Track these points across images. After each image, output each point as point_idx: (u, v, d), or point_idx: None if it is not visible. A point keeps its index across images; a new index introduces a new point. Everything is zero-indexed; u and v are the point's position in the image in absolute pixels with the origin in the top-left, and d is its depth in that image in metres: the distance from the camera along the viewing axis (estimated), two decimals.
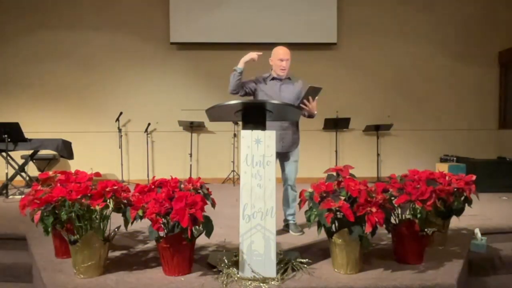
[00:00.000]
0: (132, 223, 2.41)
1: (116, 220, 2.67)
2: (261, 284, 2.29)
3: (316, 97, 3.24)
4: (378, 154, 6.89)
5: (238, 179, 6.44)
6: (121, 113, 6.67)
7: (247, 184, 2.38)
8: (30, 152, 5.77)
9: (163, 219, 2.31)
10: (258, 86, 3.36)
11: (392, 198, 2.57)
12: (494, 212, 4.12)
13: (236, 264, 2.45)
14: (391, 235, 2.71)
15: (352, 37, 6.99)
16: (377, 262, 2.65)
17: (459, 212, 2.90)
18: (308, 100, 3.16)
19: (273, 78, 3.39)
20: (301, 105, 3.15)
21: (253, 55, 3.19)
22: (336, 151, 6.93)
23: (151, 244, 3.05)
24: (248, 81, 3.35)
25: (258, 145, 2.39)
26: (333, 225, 2.42)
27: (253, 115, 2.48)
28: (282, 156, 3.40)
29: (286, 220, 3.53)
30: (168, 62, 6.89)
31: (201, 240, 2.71)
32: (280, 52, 3.35)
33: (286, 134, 3.34)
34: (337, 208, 2.30)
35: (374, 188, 2.42)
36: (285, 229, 3.51)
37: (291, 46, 6.88)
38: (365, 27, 6.99)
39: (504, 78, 7.08)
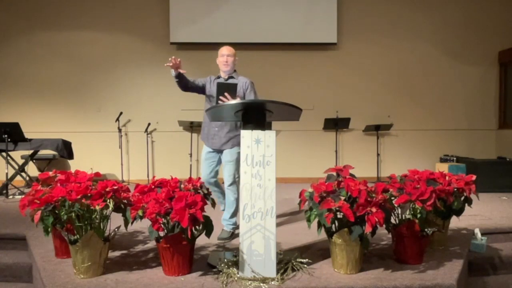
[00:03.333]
0: (132, 223, 2.41)
1: (116, 220, 2.68)
2: (261, 284, 2.29)
3: (238, 94, 3.20)
4: (378, 154, 6.89)
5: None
6: (121, 113, 6.67)
7: (247, 184, 2.38)
8: (30, 152, 5.77)
9: (163, 219, 2.31)
10: (206, 85, 3.47)
11: (392, 198, 2.58)
12: (494, 212, 4.12)
13: (236, 264, 2.45)
14: (391, 235, 2.71)
15: (352, 37, 6.99)
16: (377, 262, 2.65)
17: (459, 212, 2.90)
18: (226, 98, 3.06)
19: (219, 77, 3.47)
20: (219, 102, 3.06)
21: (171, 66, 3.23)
22: (336, 151, 6.93)
23: (151, 244, 3.05)
24: (200, 80, 3.48)
25: (258, 145, 2.40)
26: (333, 225, 2.43)
27: (253, 115, 2.49)
28: (221, 155, 3.41)
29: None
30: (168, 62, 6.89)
31: (201, 240, 2.72)
32: (223, 49, 3.41)
33: (219, 132, 3.34)
34: (337, 208, 2.30)
35: (374, 188, 2.42)
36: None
37: (291, 46, 7.01)
38: (365, 27, 6.99)
39: (504, 78, 7.08)
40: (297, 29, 6.81)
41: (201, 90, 3.47)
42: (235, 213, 3.38)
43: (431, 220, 2.68)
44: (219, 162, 3.45)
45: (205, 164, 3.42)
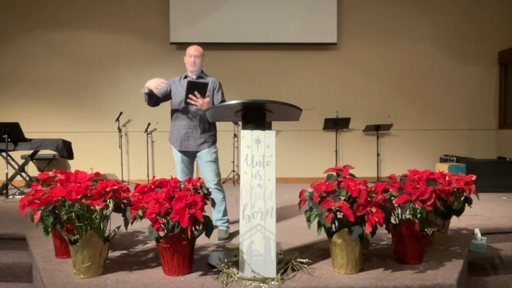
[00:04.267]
0: (132, 223, 2.41)
1: (116, 220, 2.68)
2: (261, 284, 2.29)
3: (208, 94, 3.17)
4: (378, 154, 6.89)
5: (238, 179, 6.44)
6: (121, 113, 6.67)
7: (247, 184, 2.38)
8: (30, 152, 5.77)
9: (163, 219, 2.31)
10: (171, 87, 3.43)
11: (392, 198, 2.57)
12: (494, 212, 4.12)
13: (236, 264, 2.45)
14: (391, 235, 2.71)
15: (352, 37, 6.99)
16: (377, 262, 2.65)
17: (459, 212, 2.90)
18: (196, 96, 3.07)
19: (186, 77, 3.43)
20: (188, 101, 3.09)
21: (154, 84, 3.20)
22: (336, 151, 6.93)
23: (151, 244, 3.05)
24: (162, 88, 3.40)
25: (258, 145, 2.39)
26: (333, 225, 2.42)
27: (253, 115, 2.48)
28: (194, 157, 3.41)
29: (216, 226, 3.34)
30: (168, 62, 6.89)
31: (201, 240, 2.72)
32: (191, 49, 3.37)
33: (193, 133, 3.32)
34: (337, 208, 2.30)
35: (374, 188, 2.42)
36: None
37: (291, 46, 7.00)
38: (365, 27, 6.99)
39: (504, 78, 7.09)
40: (297, 29, 6.81)
41: (167, 97, 3.47)
42: (226, 211, 3.42)
43: (431, 220, 2.68)
44: (193, 164, 3.44)
45: (181, 166, 3.38)
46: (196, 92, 3.07)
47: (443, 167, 6.02)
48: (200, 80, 3.33)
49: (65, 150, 5.73)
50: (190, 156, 3.40)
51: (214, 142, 3.42)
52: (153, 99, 3.37)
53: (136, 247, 3.02)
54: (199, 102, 3.11)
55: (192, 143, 3.33)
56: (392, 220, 2.59)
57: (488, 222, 3.67)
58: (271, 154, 2.40)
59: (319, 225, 2.43)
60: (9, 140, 5.19)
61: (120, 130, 6.71)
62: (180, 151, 3.38)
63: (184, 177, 3.33)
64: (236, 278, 2.34)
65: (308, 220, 2.45)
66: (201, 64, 3.39)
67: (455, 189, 2.79)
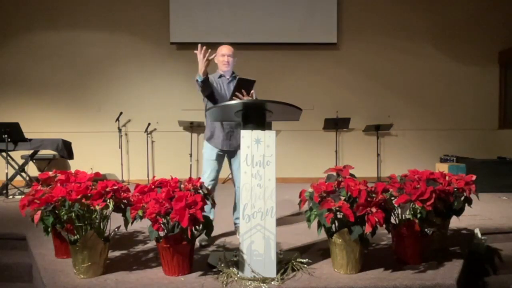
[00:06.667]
0: (132, 223, 2.41)
1: (116, 220, 2.68)
2: (261, 284, 2.29)
3: (252, 91, 3.09)
4: (378, 154, 6.89)
5: None
6: (121, 113, 6.67)
7: (247, 184, 2.38)
8: (30, 152, 5.77)
9: (163, 219, 2.31)
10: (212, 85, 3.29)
11: (392, 198, 2.57)
12: (494, 212, 4.12)
13: (236, 264, 2.45)
14: (391, 235, 2.71)
15: (352, 37, 6.99)
16: (377, 262, 2.65)
17: (459, 212, 2.89)
18: (242, 94, 3.01)
19: (220, 76, 3.38)
20: (233, 98, 3.01)
21: (200, 56, 2.98)
22: (336, 151, 6.93)
23: (151, 244, 3.05)
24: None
25: (258, 145, 2.39)
26: (333, 225, 2.42)
27: (253, 115, 2.48)
28: (231, 156, 3.37)
29: (235, 223, 3.39)
30: (168, 62, 6.90)
31: None
32: (223, 48, 3.32)
33: (234, 133, 3.28)
34: (337, 208, 2.30)
35: (374, 188, 2.42)
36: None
37: (291, 46, 7.00)
38: (365, 27, 6.99)
39: (504, 78, 7.08)
40: (297, 29, 6.81)
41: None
42: None
43: (431, 220, 2.68)
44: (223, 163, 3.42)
45: (213, 164, 3.29)
46: (242, 90, 3.01)
47: (443, 167, 6.01)
48: (234, 80, 3.26)
49: (65, 150, 5.73)
50: (224, 155, 3.36)
51: None
52: (207, 86, 3.10)
53: (136, 247, 3.02)
54: (244, 100, 3.03)
55: (234, 142, 3.29)
56: (392, 220, 2.59)
57: (488, 222, 3.67)
58: (271, 154, 2.39)
59: (319, 225, 2.43)
60: (9, 140, 5.19)
61: (120, 130, 6.71)
62: (220, 150, 3.30)
63: (214, 175, 3.28)
64: (236, 278, 2.34)
65: (308, 220, 2.45)
66: (233, 64, 3.34)
67: (455, 189, 2.79)
